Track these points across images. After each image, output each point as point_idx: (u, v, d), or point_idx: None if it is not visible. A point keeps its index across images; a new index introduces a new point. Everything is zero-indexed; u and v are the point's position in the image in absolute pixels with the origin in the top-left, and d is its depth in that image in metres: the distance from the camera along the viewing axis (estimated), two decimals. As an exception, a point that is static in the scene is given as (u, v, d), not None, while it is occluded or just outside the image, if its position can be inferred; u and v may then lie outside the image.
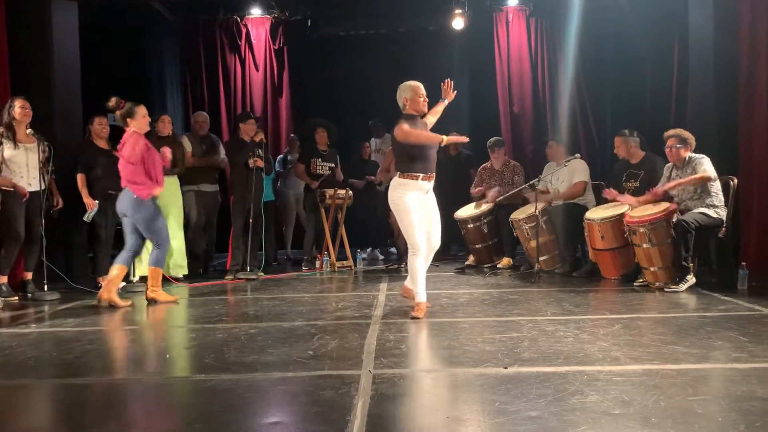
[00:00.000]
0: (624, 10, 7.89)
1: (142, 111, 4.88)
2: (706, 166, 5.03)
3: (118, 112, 4.87)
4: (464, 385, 2.74)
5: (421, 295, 4.25)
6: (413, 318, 4.09)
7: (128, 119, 4.86)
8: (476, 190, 6.92)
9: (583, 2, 7.77)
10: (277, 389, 2.78)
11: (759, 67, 5.73)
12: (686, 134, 5.19)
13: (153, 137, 5.93)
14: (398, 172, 4.26)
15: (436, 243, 4.39)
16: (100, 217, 5.58)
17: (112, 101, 4.85)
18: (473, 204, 6.82)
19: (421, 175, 4.22)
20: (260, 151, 6.20)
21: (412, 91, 4.30)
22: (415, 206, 4.19)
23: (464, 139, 4.50)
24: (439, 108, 4.61)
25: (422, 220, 4.23)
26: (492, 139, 7.06)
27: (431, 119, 4.54)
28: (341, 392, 2.63)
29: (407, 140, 4.16)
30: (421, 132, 4.23)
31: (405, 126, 4.18)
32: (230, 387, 2.76)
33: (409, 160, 4.21)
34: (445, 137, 4.23)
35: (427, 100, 4.33)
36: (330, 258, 6.73)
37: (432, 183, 4.33)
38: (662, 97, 7.35)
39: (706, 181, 5.01)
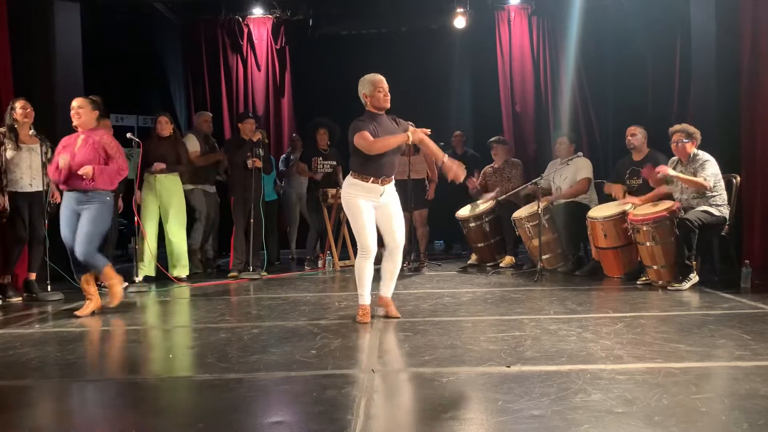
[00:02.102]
0: (625, 8, 7.88)
1: None
2: (708, 172, 4.99)
3: None
4: (467, 384, 2.73)
5: (365, 297, 4.02)
6: (360, 323, 3.91)
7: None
8: (473, 186, 6.89)
9: (584, 0, 7.77)
10: (280, 389, 2.78)
11: (761, 64, 5.72)
12: (692, 129, 5.17)
13: (154, 138, 5.99)
14: (351, 170, 3.96)
15: (401, 241, 4.10)
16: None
17: None
18: (470, 204, 6.81)
19: (372, 177, 3.88)
20: (259, 150, 6.20)
21: (371, 85, 3.90)
22: (366, 208, 3.91)
23: (425, 131, 4.00)
24: (432, 147, 4.02)
25: (373, 222, 3.96)
26: (493, 138, 7.08)
27: (424, 140, 3.98)
28: (344, 391, 2.63)
29: (373, 152, 3.82)
30: (386, 139, 3.85)
31: (368, 136, 3.81)
32: (233, 386, 2.77)
33: (362, 160, 3.88)
34: (410, 134, 3.89)
35: (388, 95, 3.94)
36: (332, 257, 6.73)
37: (388, 187, 3.98)
38: (664, 94, 7.35)
39: (701, 188, 4.99)
